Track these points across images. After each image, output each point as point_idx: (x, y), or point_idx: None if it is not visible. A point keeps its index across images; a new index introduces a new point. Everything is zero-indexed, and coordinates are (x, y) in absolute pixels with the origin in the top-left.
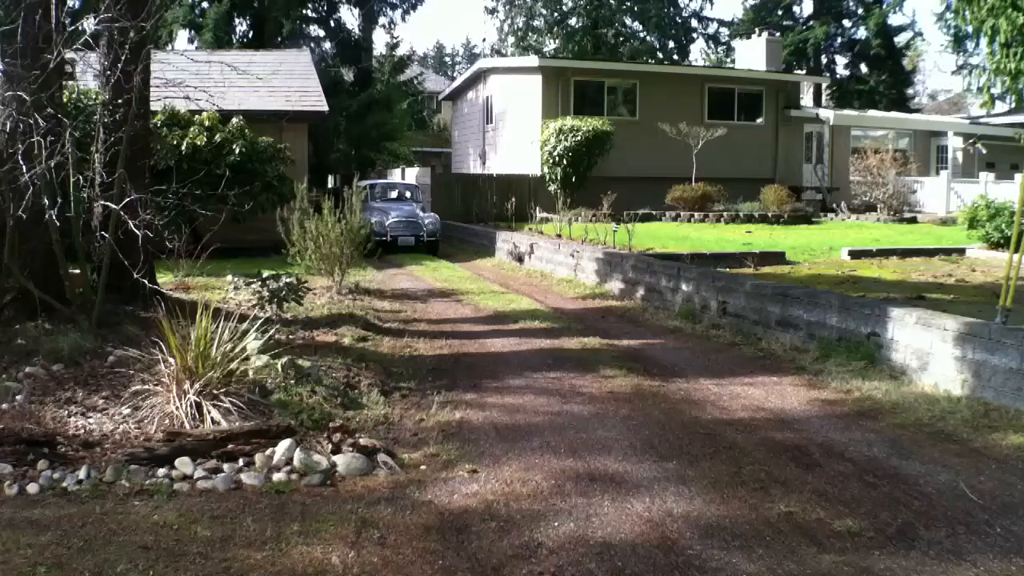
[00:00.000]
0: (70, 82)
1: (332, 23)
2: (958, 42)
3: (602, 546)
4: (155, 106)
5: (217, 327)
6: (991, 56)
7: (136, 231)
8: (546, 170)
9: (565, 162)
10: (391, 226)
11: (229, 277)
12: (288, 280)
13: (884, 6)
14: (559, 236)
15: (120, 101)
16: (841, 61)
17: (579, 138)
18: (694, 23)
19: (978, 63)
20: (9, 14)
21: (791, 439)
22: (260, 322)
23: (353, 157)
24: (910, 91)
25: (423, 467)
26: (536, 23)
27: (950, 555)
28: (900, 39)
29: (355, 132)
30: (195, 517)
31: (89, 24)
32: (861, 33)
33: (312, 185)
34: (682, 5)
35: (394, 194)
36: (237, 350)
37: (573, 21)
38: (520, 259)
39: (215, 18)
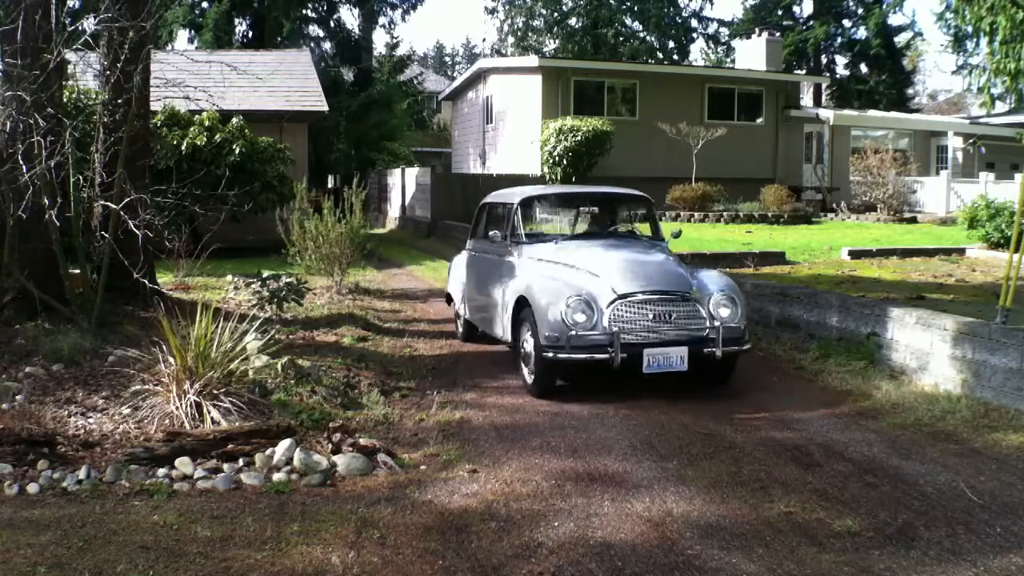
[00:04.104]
0: (70, 82)
1: (332, 23)
2: (958, 42)
3: (602, 546)
4: (155, 106)
5: (217, 327)
6: (991, 56)
7: (136, 231)
8: (546, 170)
9: (565, 162)
10: (623, 316)
11: (229, 277)
12: (288, 280)
13: (884, 6)
14: None
15: (120, 101)
16: (841, 61)
17: (579, 138)
18: (694, 23)
19: (978, 63)
20: (9, 14)
21: (791, 439)
22: (260, 322)
23: (353, 157)
24: (910, 91)
25: (423, 467)
26: (536, 23)
27: (950, 555)
28: (900, 39)
29: (355, 132)
30: (195, 517)
31: (89, 24)
32: (861, 33)
33: (312, 185)
34: (682, 5)
35: (589, 218)
36: (237, 350)
37: (573, 21)
38: None
39: (215, 18)
